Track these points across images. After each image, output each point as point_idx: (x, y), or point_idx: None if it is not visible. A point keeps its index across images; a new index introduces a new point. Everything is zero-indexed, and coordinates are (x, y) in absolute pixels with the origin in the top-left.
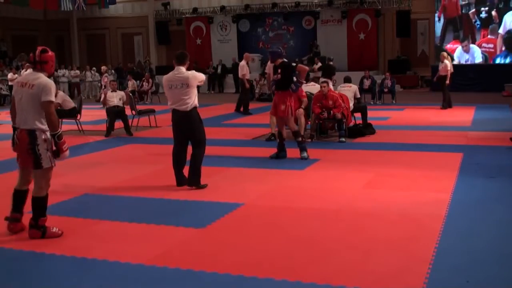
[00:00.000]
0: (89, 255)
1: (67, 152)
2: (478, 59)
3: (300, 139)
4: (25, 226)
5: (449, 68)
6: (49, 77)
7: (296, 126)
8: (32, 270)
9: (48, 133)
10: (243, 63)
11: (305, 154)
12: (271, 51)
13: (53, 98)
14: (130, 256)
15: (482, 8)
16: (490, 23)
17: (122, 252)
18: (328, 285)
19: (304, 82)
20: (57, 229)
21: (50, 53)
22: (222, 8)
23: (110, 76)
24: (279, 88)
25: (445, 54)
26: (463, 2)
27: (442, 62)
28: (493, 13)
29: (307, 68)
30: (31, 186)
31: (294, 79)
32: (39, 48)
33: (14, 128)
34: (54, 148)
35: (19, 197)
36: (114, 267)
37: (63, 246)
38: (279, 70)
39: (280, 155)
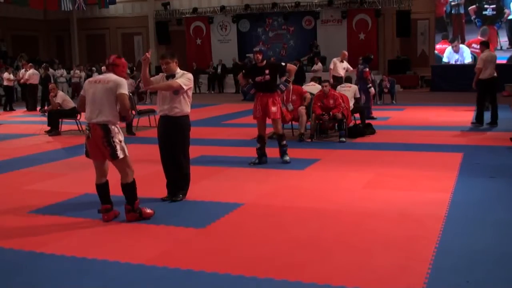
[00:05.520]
0: (89, 255)
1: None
2: (468, 59)
3: (284, 142)
4: (118, 213)
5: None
6: None
7: (282, 130)
8: (32, 270)
9: (118, 126)
10: (336, 59)
11: (287, 158)
12: (262, 50)
13: (127, 92)
14: (130, 256)
15: (487, 6)
16: (497, 21)
17: (122, 252)
18: (328, 285)
19: (291, 80)
20: (150, 209)
21: (123, 60)
22: (222, 8)
23: None
24: (266, 90)
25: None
26: (453, 3)
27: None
28: (506, 10)
29: (295, 67)
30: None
31: (283, 78)
32: (116, 55)
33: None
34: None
35: (101, 190)
36: (114, 267)
37: (63, 246)
38: (267, 71)
39: (261, 161)
